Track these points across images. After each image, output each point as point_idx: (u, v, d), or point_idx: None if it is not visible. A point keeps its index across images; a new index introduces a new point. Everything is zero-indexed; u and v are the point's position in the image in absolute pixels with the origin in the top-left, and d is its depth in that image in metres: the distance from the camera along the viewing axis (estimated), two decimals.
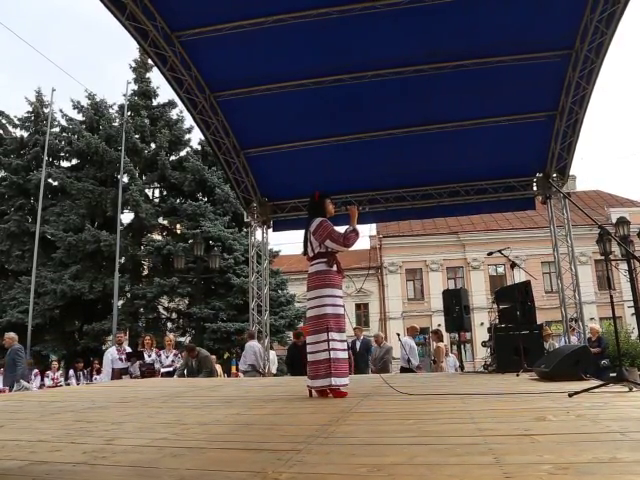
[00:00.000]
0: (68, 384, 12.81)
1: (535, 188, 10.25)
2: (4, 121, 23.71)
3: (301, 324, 18.81)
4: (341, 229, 4.34)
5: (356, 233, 4.31)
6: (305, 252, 4.43)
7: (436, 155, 9.47)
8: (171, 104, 23.11)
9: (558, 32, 7.48)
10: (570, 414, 2.74)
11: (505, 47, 7.68)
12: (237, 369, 9.20)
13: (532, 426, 2.40)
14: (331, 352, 4.06)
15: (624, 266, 16.67)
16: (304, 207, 10.42)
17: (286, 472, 1.66)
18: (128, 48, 18.50)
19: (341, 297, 4.29)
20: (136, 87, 23.31)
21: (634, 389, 3.63)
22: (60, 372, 13.61)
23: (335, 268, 4.25)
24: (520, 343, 6.08)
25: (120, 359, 9.39)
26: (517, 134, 9.03)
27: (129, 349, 9.99)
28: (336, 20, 7.12)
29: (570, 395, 3.35)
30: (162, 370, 9.34)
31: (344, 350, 4.21)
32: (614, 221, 17.00)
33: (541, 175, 9.93)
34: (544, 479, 1.46)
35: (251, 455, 2.01)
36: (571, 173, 9.63)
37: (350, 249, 4.43)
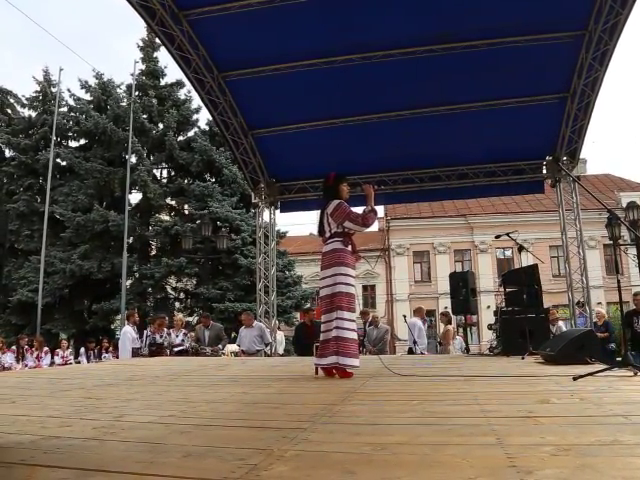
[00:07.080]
0: (78, 362, 12.98)
1: (544, 171, 10.15)
2: (12, 101, 23.71)
3: (307, 305, 18.88)
4: (358, 210, 4.33)
5: (375, 213, 4.32)
6: (321, 233, 4.40)
7: (445, 137, 9.36)
8: (179, 84, 22.96)
9: (571, 12, 7.33)
10: (574, 397, 2.75)
11: (517, 28, 7.54)
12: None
13: (535, 408, 2.41)
14: (339, 330, 4.05)
15: (633, 251, 16.56)
16: (312, 188, 10.40)
17: (291, 450, 1.68)
18: (135, 26, 18.38)
19: (353, 277, 4.25)
20: (144, 66, 23.18)
21: (639, 373, 3.64)
22: (70, 350, 13.78)
23: (350, 248, 4.24)
24: (526, 326, 6.08)
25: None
26: (527, 116, 8.90)
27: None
28: None
29: (574, 379, 3.36)
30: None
31: (353, 330, 4.15)
32: (624, 205, 16.82)
33: (551, 158, 9.81)
34: (546, 460, 1.47)
35: (257, 433, 2.04)
36: (582, 156, 9.52)
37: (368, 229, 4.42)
